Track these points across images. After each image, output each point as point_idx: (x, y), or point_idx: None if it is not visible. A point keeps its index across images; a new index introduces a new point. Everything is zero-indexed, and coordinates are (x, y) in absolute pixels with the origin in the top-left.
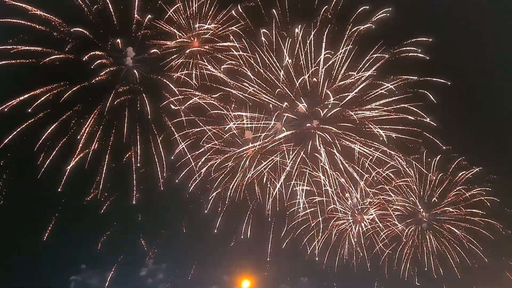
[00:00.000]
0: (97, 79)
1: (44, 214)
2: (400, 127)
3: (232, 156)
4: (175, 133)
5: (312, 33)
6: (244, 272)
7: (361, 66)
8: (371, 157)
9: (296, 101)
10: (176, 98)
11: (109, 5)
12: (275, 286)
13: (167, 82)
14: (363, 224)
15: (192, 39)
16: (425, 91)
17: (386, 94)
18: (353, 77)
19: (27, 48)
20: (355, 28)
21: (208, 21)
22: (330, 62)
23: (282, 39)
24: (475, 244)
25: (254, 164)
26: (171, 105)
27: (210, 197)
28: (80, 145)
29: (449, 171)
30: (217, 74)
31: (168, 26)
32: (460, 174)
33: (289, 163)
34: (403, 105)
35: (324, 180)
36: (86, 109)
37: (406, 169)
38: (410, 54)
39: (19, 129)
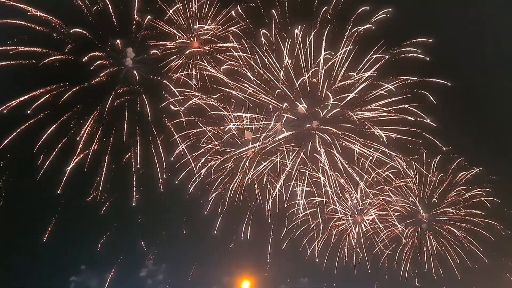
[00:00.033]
0: (96, 80)
1: (44, 215)
2: (400, 128)
3: (232, 157)
4: (175, 134)
5: (312, 33)
6: (244, 272)
7: (361, 66)
8: (371, 157)
9: (296, 102)
10: (176, 99)
11: (109, 6)
12: (275, 287)
13: (167, 83)
14: (363, 225)
15: (192, 39)
16: (425, 92)
17: (386, 94)
18: (353, 77)
19: (26, 49)
20: (355, 29)
21: (208, 22)
22: (330, 63)
23: (282, 39)
24: (475, 244)
25: (254, 165)
26: (171, 106)
27: (210, 198)
28: (80, 146)
29: (449, 172)
30: (217, 74)
31: (168, 27)
32: (460, 174)
33: (289, 163)
34: (403, 105)
35: (324, 181)
36: (86, 110)
37: (406, 169)
38: (410, 54)
39: (18, 130)
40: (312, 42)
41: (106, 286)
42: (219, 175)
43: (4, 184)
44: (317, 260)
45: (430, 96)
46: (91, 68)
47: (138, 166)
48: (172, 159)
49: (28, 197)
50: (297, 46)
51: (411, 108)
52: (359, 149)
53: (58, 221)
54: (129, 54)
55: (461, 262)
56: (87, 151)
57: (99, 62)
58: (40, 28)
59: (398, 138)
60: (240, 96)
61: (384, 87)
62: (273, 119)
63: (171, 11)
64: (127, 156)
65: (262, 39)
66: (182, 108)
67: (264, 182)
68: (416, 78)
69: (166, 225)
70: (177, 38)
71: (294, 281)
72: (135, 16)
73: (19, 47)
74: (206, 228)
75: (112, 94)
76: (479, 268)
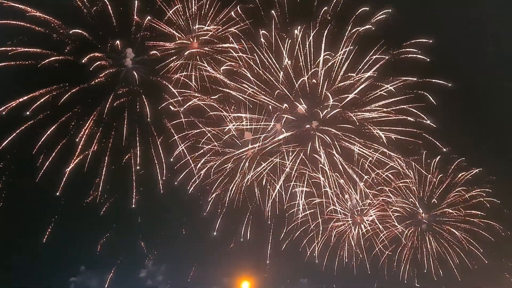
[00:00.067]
0: (96, 80)
1: (44, 215)
2: (400, 129)
3: (231, 157)
4: (175, 135)
5: (312, 34)
6: (243, 273)
7: (360, 67)
8: (370, 158)
9: (295, 102)
10: (175, 99)
11: (108, 6)
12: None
13: (167, 84)
14: (362, 226)
15: (191, 40)
16: (425, 93)
17: (386, 95)
18: (352, 78)
19: (26, 49)
20: (355, 29)
21: (208, 23)
22: (329, 63)
23: (282, 40)
24: (475, 245)
25: (254, 165)
26: (171, 107)
27: (210, 199)
28: (80, 146)
29: (448, 172)
30: (216, 75)
31: (167, 28)
32: (459, 175)
33: (289, 164)
34: (403, 106)
35: (323, 182)
36: (86, 111)
37: (406, 170)
38: (410, 55)
39: (18, 131)
40: (312, 43)
41: (106, 286)
42: (219, 175)
43: (4, 184)
44: (316, 260)
45: (430, 97)
46: (91, 69)
47: (137, 167)
48: (171, 160)
49: (28, 198)
50: (297, 46)
51: (411, 108)
52: (358, 149)
53: (58, 222)
54: (128, 55)
55: (461, 262)
56: (86, 152)
57: (99, 63)
58: (39, 28)
59: (398, 139)
60: (240, 97)
61: (384, 88)
62: (273, 119)
63: (170, 12)
64: (126, 156)
65: (262, 39)
66: (182, 109)
67: (263, 182)
68: (416, 79)
69: (166, 226)
70: (177, 38)
71: (294, 281)
72: (135, 17)
73: (19, 48)
74: (206, 229)
75: (112, 95)
76: (479, 268)
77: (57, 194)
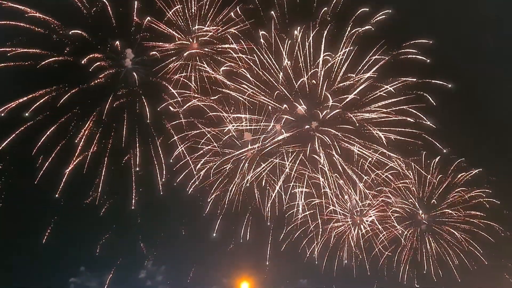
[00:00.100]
0: (96, 81)
1: (43, 216)
2: (400, 129)
3: (231, 158)
4: (174, 136)
5: (311, 34)
6: (243, 274)
7: (360, 68)
8: (370, 159)
9: (295, 103)
10: (175, 100)
11: (108, 7)
12: None
13: (166, 85)
14: (362, 226)
15: (191, 41)
16: (425, 93)
17: (386, 96)
18: (352, 79)
19: (25, 50)
20: (354, 30)
21: (207, 23)
22: (329, 64)
23: (281, 40)
24: (475, 246)
25: (253, 166)
26: (170, 107)
27: (209, 199)
28: (79, 147)
29: (448, 173)
30: (216, 76)
31: (167, 28)
32: (459, 175)
33: (288, 165)
34: (403, 107)
35: (323, 182)
36: (85, 112)
37: (405, 171)
38: (410, 56)
39: (18, 132)
40: (312, 43)
41: (106, 287)
42: (218, 176)
43: (4, 185)
44: (316, 261)
45: (430, 98)
46: (90, 69)
47: (137, 169)
48: (171, 161)
49: (28, 198)
50: (297, 47)
51: (410, 109)
52: (358, 150)
53: (58, 222)
54: (128, 55)
55: (461, 263)
56: (86, 153)
57: (98, 63)
58: (39, 29)
59: (398, 139)
60: (239, 97)
61: (383, 89)
62: (273, 120)
63: (170, 12)
64: (126, 157)
65: (261, 40)
66: (182, 110)
67: (263, 183)
68: (415, 79)
69: (166, 226)
70: (177, 39)
71: (294, 282)
72: (135, 18)
73: (18, 49)
74: (206, 230)
75: (111, 96)
76: (479, 269)
77: (56, 196)
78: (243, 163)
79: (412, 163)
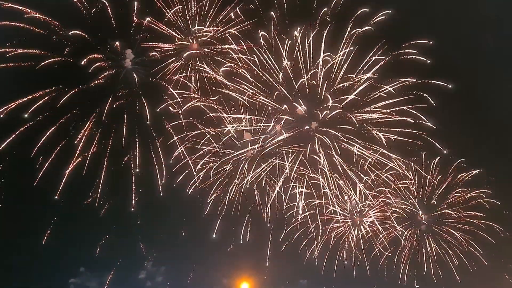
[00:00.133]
0: (95, 82)
1: (43, 217)
2: (400, 130)
3: (231, 158)
4: (174, 136)
5: (311, 35)
6: (243, 275)
7: (360, 68)
8: (370, 159)
9: (295, 104)
10: (175, 101)
11: (108, 7)
12: None
13: (166, 85)
14: (362, 227)
15: (191, 41)
16: (425, 94)
17: (386, 96)
18: (352, 79)
19: (25, 51)
20: (354, 30)
21: (207, 24)
22: (329, 64)
23: (281, 41)
24: (475, 246)
25: (253, 166)
26: (170, 108)
27: (209, 200)
28: (79, 148)
29: (448, 173)
30: (216, 76)
31: (167, 29)
32: (459, 176)
33: (288, 165)
34: (403, 107)
35: (323, 183)
36: (85, 113)
37: (405, 171)
38: (409, 56)
39: (17, 132)
40: (311, 44)
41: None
42: (218, 177)
43: (4, 186)
44: (316, 262)
45: (430, 98)
46: (90, 70)
47: (137, 170)
48: (171, 162)
49: (28, 199)
50: (296, 47)
51: (410, 110)
52: (358, 150)
53: (57, 223)
54: (128, 56)
55: (461, 264)
56: (86, 154)
57: (98, 64)
58: (38, 30)
59: (398, 140)
60: (239, 98)
61: (383, 89)
62: (272, 121)
63: (170, 13)
64: (126, 158)
65: (261, 40)
66: (181, 110)
67: (263, 184)
68: (415, 80)
69: (165, 227)
70: (176, 40)
71: (293, 283)
72: (134, 18)
73: (18, 49)
74: (205, 230)
75: (111, 97)
76: (479, 270)
77: (58, 193)
78: (243, 164)
79: (412, 164)
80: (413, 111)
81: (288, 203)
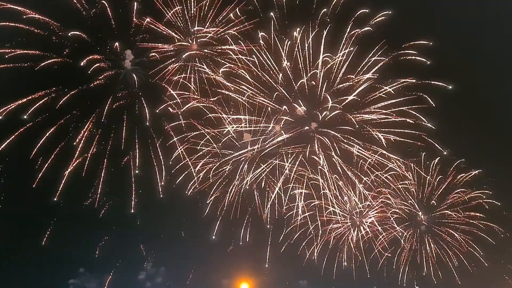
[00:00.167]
0: (95, 83)
1: (43, 218)
2: (399, 130)
3: (230, 159)
4: (174, 137)
5: (311, 36)
6: (242, 275)
7: (360, 69)
8: (370, 160)
9: (294, 104)
10: (174, 101)
11: (107, 8)
12: None
13: (166, 86)
14: (361, 228)
15: (190, 42)
16: (424, 95)
17: (385, 97)
18: (352, 80)
19: (24, 51)
20: (354, 31)
21: (207, 25)
22: (329, 65)
23: (281, 41)
24: (474, 247)
25: (253, 167)
26: (170, 109)
27: (209, 201)
28: (78, 149)
29: (448, 174)
30: (215, 77)
31: (166, 30)
32: (459, 176)
33: (288, 166)
34: (402, 108)
35: (322, 184)
36: (84, 114)
37: (405, 172)
38: (409, 57)
39: (17, 134)
40: (311, 44)
41: None
42: (218, 177)
43: (3, 187)
44: (316, 263)
45: (429, 99)
46: (89, 71)
47: (136, 171)
48: (170, 163)
49: (27, 200)
50: (296, 48)
51: (410, 110)
52: (358, 151)
53: (57, 224)
54: (127, 57)
55: (461, 265)
56: (85, 155)
57: (98, 65)
58: (38, 30)
59: (397, 141)
60: (239, 99)
61: (383, 90)
62: (272, 121)
63: (170, 14)
64: (125, 159)
65: (261, 41)
66: (181, 111)
67: (262, 185)
68: (414, 81)
69: (165, 228)
70: (176, 40)
71: (293, 284)
72: (134, 19)
73: (17, 50)
74: (205, 231)
75: (111, 97)
76: (479, 271)
77: (57, 194)
78: (242, 165)
79: (412, 164)
80: (412, 111)
81: (287, 204)
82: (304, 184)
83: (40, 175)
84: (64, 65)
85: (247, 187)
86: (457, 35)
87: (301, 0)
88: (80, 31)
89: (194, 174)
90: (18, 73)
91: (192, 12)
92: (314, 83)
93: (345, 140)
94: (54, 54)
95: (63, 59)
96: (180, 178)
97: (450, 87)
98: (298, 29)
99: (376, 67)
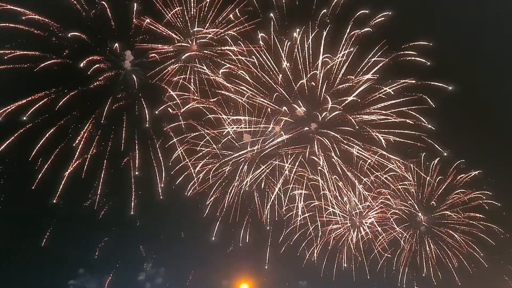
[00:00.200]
0: (95, 84)
1: (43, 219)
2: (399, 131)
3: (230, 160)
4: (173, 138)
5: (311, 36)
6: (242, 276)
7: (359, 69)
8: (369, 161)
9: (294, 105)
10: (174, 102)
11: (107, 9)
12: None
13: (165, 87)
14: (361, 228)
15: (190, 43)
16: (424, 95)
17: (385, 98)
18: (351, 80)
19: (23, 52)
20: (354, 32)
21: (207, 25)
22: (328, 66)
23: (280, 42)
24: (474, 248)
25: (252, 168)
26: (169, 110)
27: (208, 202)
28: (78, 150)
29: (448, 175)
30: (215, 78)
31: (166, 30)
32: (459, 177)
33: (288, 167)
34: (402, 109)
35: (322, 184)
36: (84, 115)
37: (405, 172)
38: (409, 58)
39: (16, 135)
40: (311, 45)
41: None
42: (217, 178)
43: (3, 188)
44: (316, 263)
45: (429, 100)
46: (89, 72)
47: (136, 172)
48: (170, 164)
49: (27, 201)
50: (296, 49)
51: (410, 111)
52: (357, 152)
53: (57, 225)
54: (127, 58)
55: (460, 266)
56: (85, 156)
57: (97, 66)
58: (37, 31)
59: (397, 141)
60: (239, 99)
61: (383, 90)
62: (272, 122)
63: (170, 14)
64: (125, 160)
65: (261, 42)
66: (181, 112)
67: (262, 185)
68: (414, 82)
69: (165, 229)
70: (176, 41)
71: (293, 284)
72: (134, 20)
73: (16, 51)
74: (205, 232)
75: (110, 98)
76: (479, 272)
77: (57, 195)
78: (242, 165)
79: (412, 165)
80: (412, 112)
81: (287, 205)
82: (304, 185)
83: (39, 176)
84: (64, 66)
85: (247, 188)
86: (457, 35)
87: (301, 1)
88: (79, 32)
89: (194, 175)
90: (18, 74)
91: (192, 13)
92: (314, 84)
93: (345, 141)
94: (53, 55)
95: (63, 60)
96: (180, 179)
97: (450, 87)
98: (298, 29)
99: (376, 68)
